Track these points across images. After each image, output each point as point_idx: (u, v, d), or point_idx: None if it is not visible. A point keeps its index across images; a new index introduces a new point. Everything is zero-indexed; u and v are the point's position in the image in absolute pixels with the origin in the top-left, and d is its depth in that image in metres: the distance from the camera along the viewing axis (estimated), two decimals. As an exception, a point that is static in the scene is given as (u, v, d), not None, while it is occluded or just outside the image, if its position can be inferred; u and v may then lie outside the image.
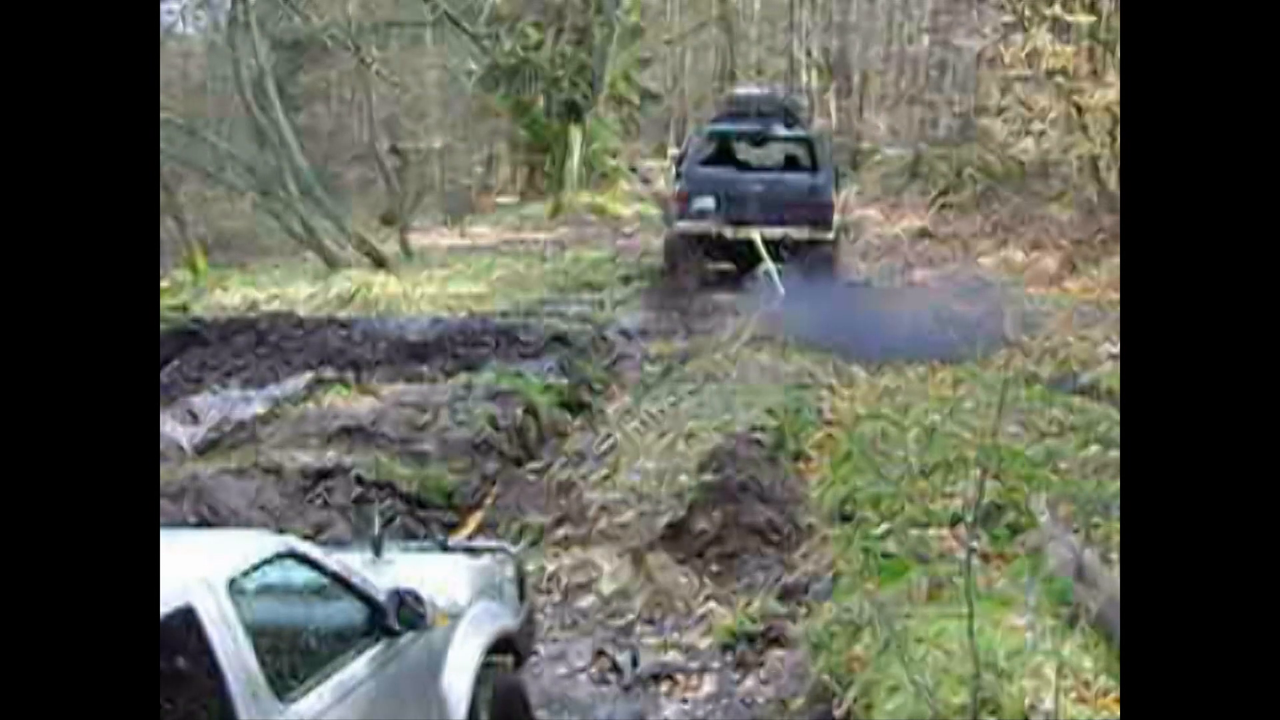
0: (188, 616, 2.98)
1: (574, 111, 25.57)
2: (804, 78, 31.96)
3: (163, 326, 10.96)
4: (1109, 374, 9.10)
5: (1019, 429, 7.78)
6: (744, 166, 16.16)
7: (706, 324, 12.58)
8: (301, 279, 16.92)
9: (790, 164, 16.16)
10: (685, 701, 5.55)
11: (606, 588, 6.63)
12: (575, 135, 25.56)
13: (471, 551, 4.97)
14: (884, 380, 9.76)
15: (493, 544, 5.48)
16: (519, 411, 9.15)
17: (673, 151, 27.22)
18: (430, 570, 4.35)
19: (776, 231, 14.39)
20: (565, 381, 10.20)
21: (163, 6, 20.77)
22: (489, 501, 8.02)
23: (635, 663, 5.81)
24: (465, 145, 28.07)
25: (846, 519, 6.86)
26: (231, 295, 16.13)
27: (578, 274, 16.93)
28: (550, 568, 6.82)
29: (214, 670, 3.00)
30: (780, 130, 16.09)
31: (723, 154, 16.21)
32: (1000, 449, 7.03)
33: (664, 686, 5.67)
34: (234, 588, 3.19)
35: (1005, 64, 16.54)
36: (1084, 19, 15.31)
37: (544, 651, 5.83)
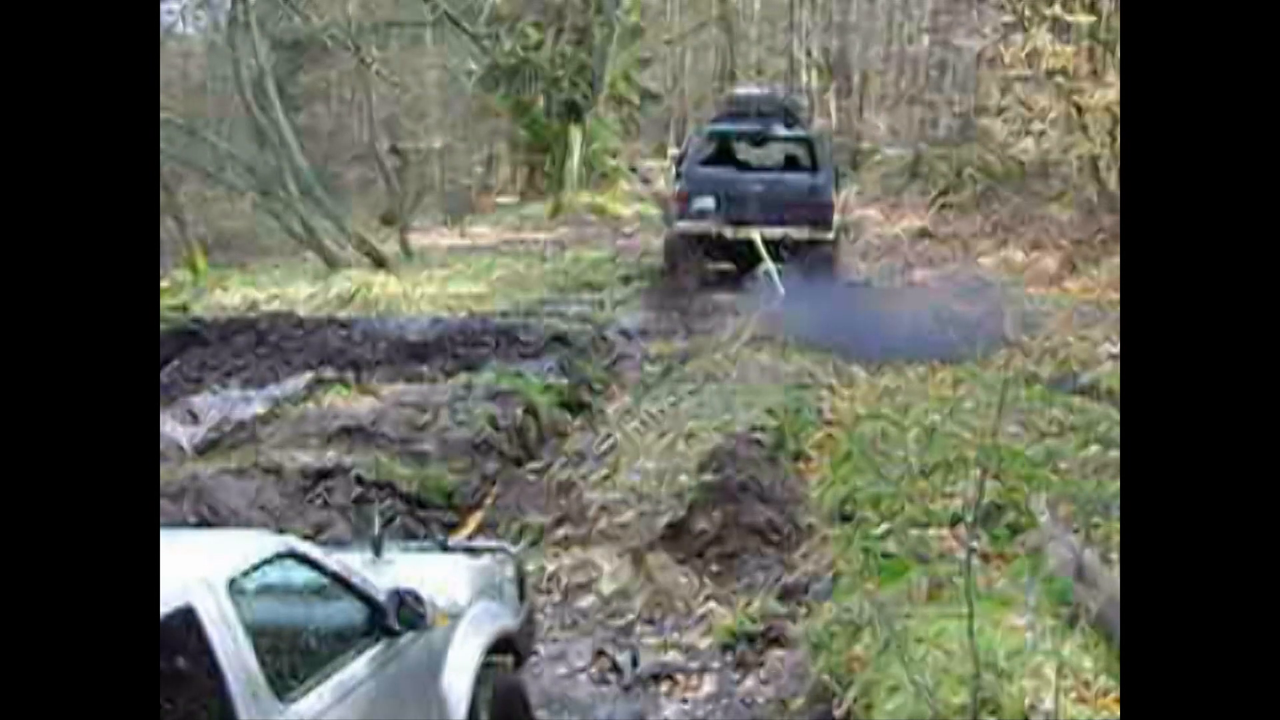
0: (188, 616, 2.98)
1: (574, 111, 25.57)
2: (804, 78, 31.96)
3: (163, 326, 10.96)
4: (1109, 374, 9.10)
5: (1019, 429, 7.78)
6: (744, 166, 16.15)
7: (706, 324, 12.58)
8: (301, 279, 16.92)
9: (790, 164, 16.16)
10: (685, 701, 5.55)
11: (606, 588, 6.63)
12: (575, 135, 25.55)
13: (471, 551, 4.97)
14: (884, 380, 9.76)
15: (493, 544, 5.48)
16: (519, 411, 9.15)
17: (673, 151, 27.21)
18: (430, 570, 4.35)
19: (776, 231, 14.39)
20: (565, 381, 10.20)
21: (163, 6, 20.79)
22: (489, 501, 8.02)
23: (635, 663, 5.81)
24: (465, 145, 28.07)
25: (846, 519, 6.86)
26: (231, 295, 16.13)
27: (578, 274, 16.93)
28: (550, 568, 6.82)
29: (214, 670, 3.00)
30: (780, 130, 16.09)
31: (723, 154, 16.21)
32: (1000, 449, 7.03)
33: (664, 686, 5.67)
34: (234, 588, 3.19)
35: (1005, 64, 16.54)
36: (1084, 19, 15.30)
37: (544, 651, 5.83)
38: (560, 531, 7.24)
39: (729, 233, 14.65)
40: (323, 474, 7.55)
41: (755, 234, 14.26)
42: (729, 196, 14.79)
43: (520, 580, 4.94)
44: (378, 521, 4.89)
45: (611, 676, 5.76)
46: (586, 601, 6.55)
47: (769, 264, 13.78)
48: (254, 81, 18.64)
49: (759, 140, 16.61)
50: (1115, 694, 4.16)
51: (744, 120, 16.26)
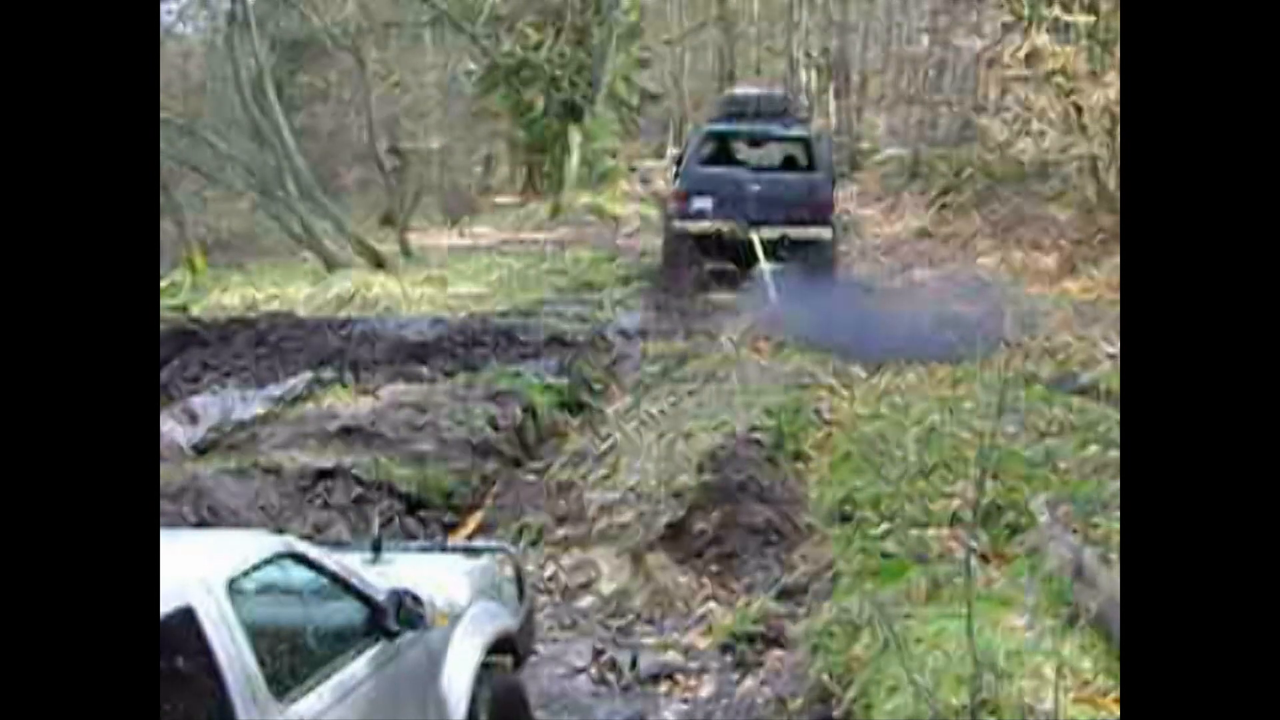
0: (187, 617, 2.98)
1: (573, 111, 25.55)
2: (804, 78, 31.94)
3: (163, 326, 10.95)
4: (1109, 374, 9.10)
5: (1018, 429, 7.78)
6: (743, 166, 16.15)
7: (706, 324, 12.57)
8: (301, 279, 16.90)
9: (789, 164, 16.16)
10: (685, 702, 5.55)
11: (606, 588, 6.64)
12: (575, 135, 25.54)
13: (471, 551, 4.97)
14: (884, 380, 9.75)
15: (492, 544, 5.49)
16: (518, 412, 9.15)
17: (672, 151, 27.22)
18: (429, 570, 4.35)
19: (776, 231, 14.38)
20: (565, 381, 10.20)
21: (163, 6, 20.77)
22: (488, 502, 8.02)
23: (635, 663, 5.81)
24: (465, 145, 28.03)
25: (846, 519, 6.86)
26: (231, 295, 16.12)
27: (577, 274, 16.91)
28: (550, 568, 6.82)
29: (213, 670, 3.00)
30: (779, 130, 16.10)
31: (722, 154, 16.21)
32: (1000, 449, 7.03)
33: (664, 686, 5.67)
34: (233, 588, 3.19)
35: (1005, 64, 16.53)
36: (1084, 19, 15.29)
37: (544, 651, 5.82)
38: (560, 532, 7.24)
39: (728, 232, 14.65)
40: (322, 474, 7.55)
41: (754, 234, 14.26)
42: (728, 196, 14.78)
43: (520, 580, 4.94)
44: (377, 522, 4.89)
45: (611, 676, 5.76)
46: (586, 601, 6.56)
47: (768, 264, 13.78)
48: (253, 82, 18.62)
49: (758, 140, 16.60)
50: (1115, 694, 4.16)
51: (743, 120, 16.26)
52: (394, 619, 3.72)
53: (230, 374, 10.32)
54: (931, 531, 6.40)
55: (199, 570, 3.15)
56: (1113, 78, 13.95)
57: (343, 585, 3.70)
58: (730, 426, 8.32)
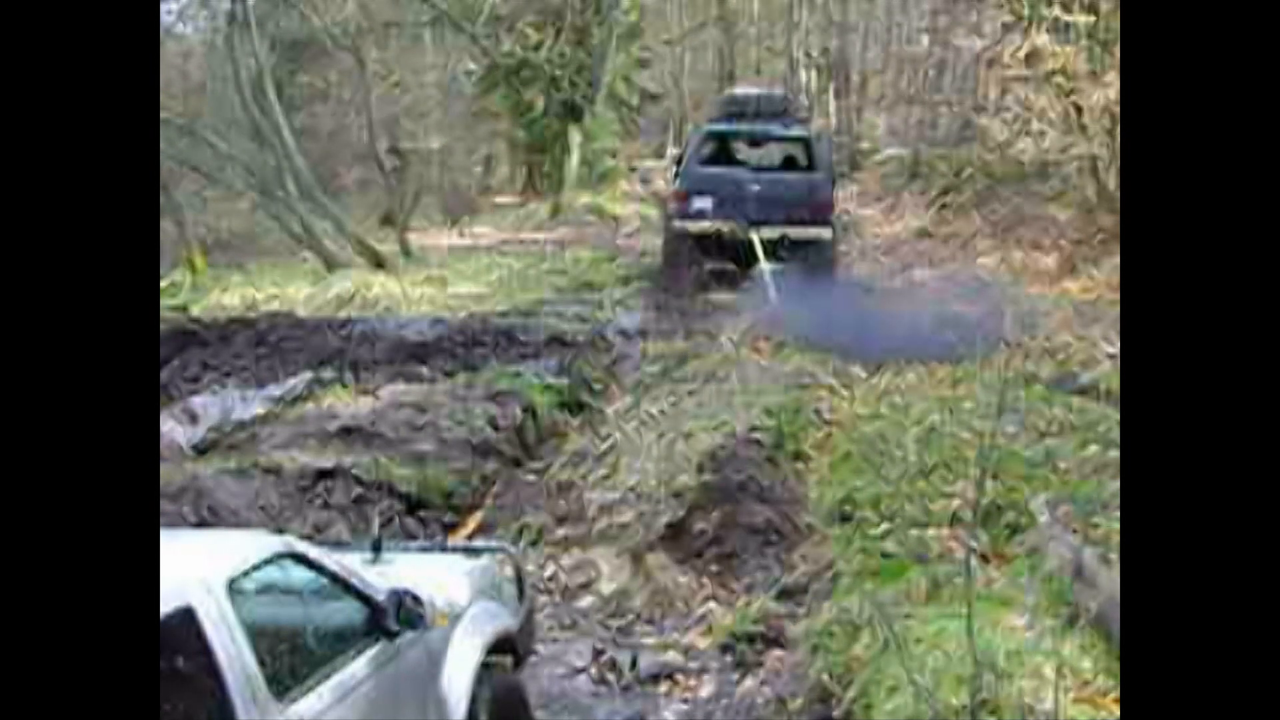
0: (187, 617, 2.98)
1: (573, 111, 25.55)
2: (804, 78, 31.94)
3: (163, 326, 10.95)
4: (1109, 374, 9.10)
5: (1019, 429, 7.78)
6: (743, 166, 16.15)
7: (706, 324, 12.57)
8: (301, 279, 16.90)
9: (789, 164, 16.16)
10: (685, 702, 5.55)
11: (606, 588, 6.64)
12: (574, 135, 25.53)
13: (470, 551, 4.97)
14: (884, 380, 9.75)
15: (492, 544, 5.49)
16: (519, 411, 9.15)
17: (672, 151, 27.22)
18: (429, 570, 4.35)
19: (775, 231, 14.38)
20: (565, 381, 10.20)
21: (163, 6, 20.77)
22: (488, 502, 8.02)
23: (635, 663, 5.81)
24: (464, 145, 28.04)
25: (846, 519, 6.86)
26: (231, 295, 16.12)
27: (577, 274, 16.91)
28: (550, 568, 6.82)
29: (213, 670, 3.00)
30: (779, 130, 16.10)
31: (722, 154, 16.21)
32: (1000, 449, 7.03)
33: (664, 686, 5.67)
34: (233, 588, 3.19)
35: (1005, 64, 16.52)
36: (1084, 19, 15.29)
37: (544, 651, 5.82)
38: (560, 532, 7.24)
39: (728, 232, 14.65)
40: (322, 474, 7.55)
41: (754, 234, 14.27)
42: (728, 196, 14.79)
43: (519, 580, 4.94)
44: (377, 522, 4.89)
45: (611, 676, 5.76)
46: (586, 601, 6.56)
47: (768, 264, 13.78)
48: (253, 82, 18.62)
49: (758, 140, 16.60)
50: (1115, 694, 4.16)
51: (743, 120, 16.26)
52: (394, 619, 3.72)
53: (230, 374, 10.32)
54: (931, 531, 6.40)
55: (199, 570, 3.15)
56: (1113, 78, 13.95)
57: (343, 585, 3.70)
58: (730, 426, 8.32)
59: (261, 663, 3.15)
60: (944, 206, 20.83)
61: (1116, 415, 7.66)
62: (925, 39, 29.05)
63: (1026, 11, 16.21)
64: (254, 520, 6.76)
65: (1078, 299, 13.15)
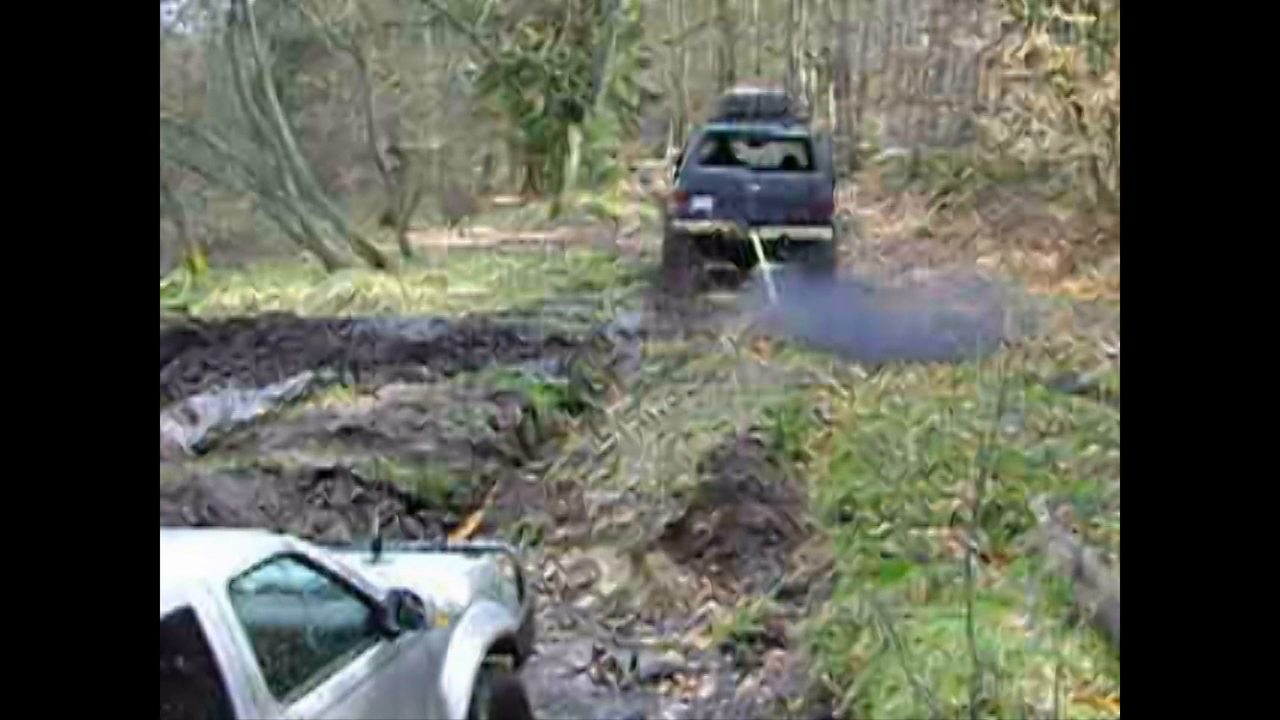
0: (187, 617, 2.98)
1: (573, 111, 25.55)
2: (804, 78, 31.94)
3: (163, 326, 10.95)
4: (1109, 374, 9.10)
5: (1019, 429, 7.78)
6: (743, 166, 16.15)
7: (706, 324, 12.57)
8: (301, 279, 16.89)
9: (789, 164, 16.16)
10: (685, 702, 5.55)
11: (606, 588, 6.64)
12: (574, 135, 25.53)
13: (470, 551, 4.97)
14: (884, 380, 9.76)
15: (492, 544, 5.49)
16: (519, 411, 9.15)
17: (672, 151, 27.22)
18: (429, 570, 4.35)
19: (776, 231, 14.39)
20: (565, 381, 10.20)
21: (163, 6, 20.77)
22: (488, 502, 8.02)
23: (635, 663, 5.81)
24: (464, 145, 28.04)
25: (846, 519, 6.86)
26: (231, 295, 16.12)
27: (578, 274, 16.91)
28: (550, 568, 6.82)
29: (213, 670, 3.00)
30: (779, 130, 16.10)
31: (722, 154, 16.21)
32: (1000, 449, 7.03)
33: (664, 686, 5.67)
34: (233, 588, 3.19)
35: (1005, 64, 16.52)
36: (1084, 19, 15.29)
37: (544, 651, 5.82)
38: (560, 532, 7.24)
39: (728, 232, 14.65)
40: (322, 474, 7.55)
41: (754, 234, 14.27)
42: (728, 196, 14.79)
43: (519, 580, 4.94)
44: (377, 522, 4.89)
45: (611, 676, 5.76)
46: (586, 601, 6.56)
47: (768, 263, 13.78)
48: (253, 82, 18.62)
49: (758, 140, 16.60)
50: (1115, 694, 4.16)
51: (743, 120, 16.26)
52: (394, 619, 3.72)
53: (230, 374, 10.32)
54: (931, 531, 6.40)
55: (199, 570, 3.15)
56: (1113, 78, 13.94)
57: (343, 585, 3.70)
58: (730, 426, 8.32)
59: (261, 663, 3.15)
60: (944, 206, 20.84)
61: (1116, 415, 7.66)
62: (925, 39, 29.05)
63: (1026, 11, 16.21)
64: (254, 520, 6.76)
65: (1078, 299, 13.15)
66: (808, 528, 6.98)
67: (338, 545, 4.97)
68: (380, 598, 3.73)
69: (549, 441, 9.13)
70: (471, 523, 7.67)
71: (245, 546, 3.50)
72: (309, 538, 5.33)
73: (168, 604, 2.88)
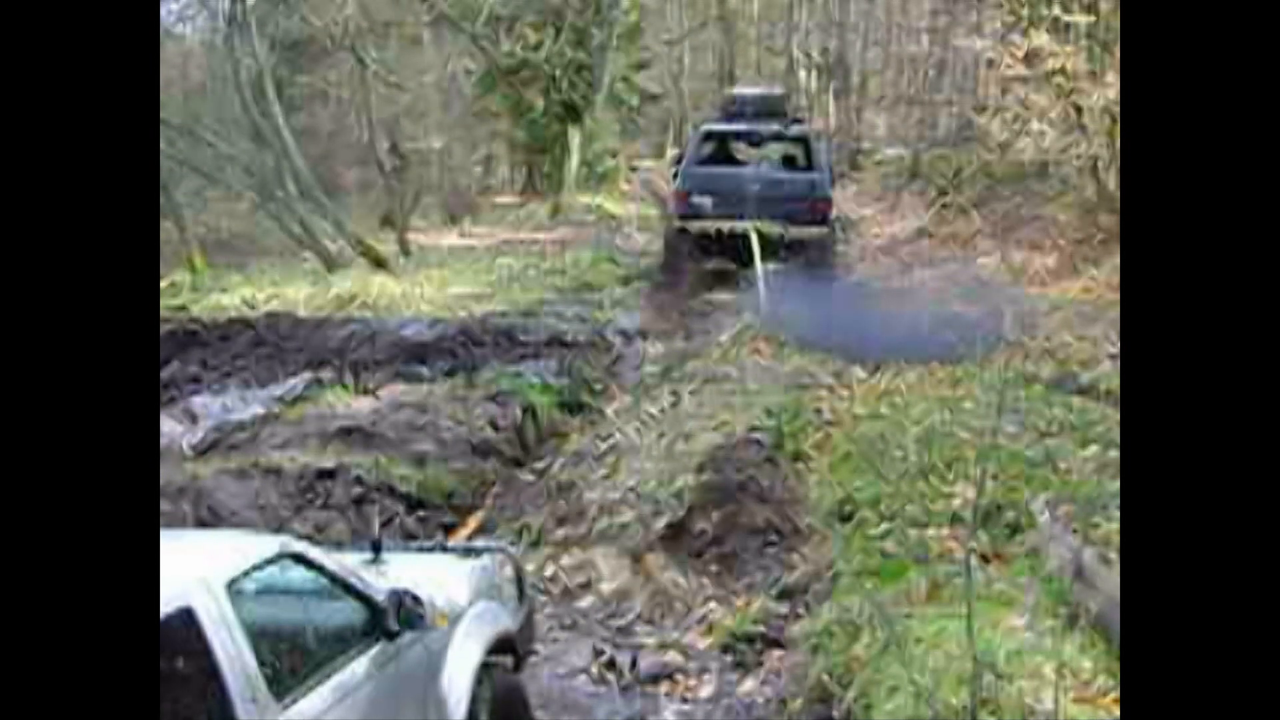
0: (187, 617, 2.98)
1: (573, 112, 25.57)
2: (804, 78, 31.98)
3: (163, 326, 10.96)
4: (1109, 374, 9.10)
5: (1019, 429, 7.78)
6: (742, 166, 16.17)
7: (706, 324, 12.58)
8: (301, 280, 16.89)
9: (788, 163, 16.18)
10: (685, 702, 5.55)
11: (606, 588, 6.63)
12: (574, 136, 25.55)
13: (470, 552, 4.96)
14: (884, 380, 9.76)
15: (492, 544, 5.48)
16: (519, 412, 9.16)
17: (672, 151, 27.24)
18: (429, 571, 4.35)
19: (775, 231, 14.40)
20: (565, 382, 10.20)
21: (163, 6, 20.77)
22: (488, 502, 8.02)
23: (635, 663, 5.80)
24: (464, 146, 28.05)
25: (846, 519, 6.86)
26: (231, 295, 16.12)
27: (577, 274, 16.92)
28: (550, 568, 6.81)
29: (213, 671, 3.00)
30: (778, 130, 16.12)
31: (721, 153, 16.24)
32: (1000, 449, 7.03)
33: (664, 687, 5.67)
34: (233, 588, 3.19)
35: (1005, 64, 16.52)
36: (1084, 19, 15.29)
37: (544, 651, 5.82)
38: (560, 532, 7.24)
39: (727, 232, 14.66)
40: (322, 474, 7.55)
41: (754, 233, 14.28)
42: (727, 196, 14.81)
43: (519, 580, 4.94)
44: (377, 522, 4.89)
45: (611, 676, 5.75)
46: (586, 601, 6.55)
47: (768, 263, 13.79)
48: (253, 82, 18.63)
49: (757, 140, 16.63)
50: (1115, 694, 4.16)
51: (742, 120, 16.29)
52: (394, 619, 3.72)
53: (230, 374, 10.32)
54: (931, 531, 6.39)
55: (199, 570, 3.15)
56: (1113, 78, 13.95)
57: (343, 585, 3.70)
58: (730, 426, 8.32)
59: (261, 663, 3.15)
60: (944, 206, 20.84)
61: (1116, 415, 7.66)
62: (925, 39, 29.07)
63: (1026, 11, 16.21)
64: (254, 520, 6.76)
65: (1078, 299, 13.15)
66: (808, 528, 6.98)
67: (338, 545, 4.97)
68: (380, 598, 3.73)
69: (549, 442, 9.13)
70: (471, 523, 7.67)
71: (245, 547, 3.50)
72: (309, 538, 5.33)
73: (168, 604, 2.88)
